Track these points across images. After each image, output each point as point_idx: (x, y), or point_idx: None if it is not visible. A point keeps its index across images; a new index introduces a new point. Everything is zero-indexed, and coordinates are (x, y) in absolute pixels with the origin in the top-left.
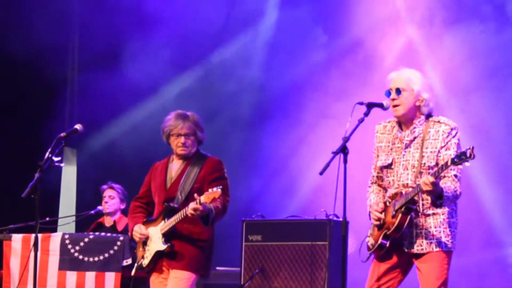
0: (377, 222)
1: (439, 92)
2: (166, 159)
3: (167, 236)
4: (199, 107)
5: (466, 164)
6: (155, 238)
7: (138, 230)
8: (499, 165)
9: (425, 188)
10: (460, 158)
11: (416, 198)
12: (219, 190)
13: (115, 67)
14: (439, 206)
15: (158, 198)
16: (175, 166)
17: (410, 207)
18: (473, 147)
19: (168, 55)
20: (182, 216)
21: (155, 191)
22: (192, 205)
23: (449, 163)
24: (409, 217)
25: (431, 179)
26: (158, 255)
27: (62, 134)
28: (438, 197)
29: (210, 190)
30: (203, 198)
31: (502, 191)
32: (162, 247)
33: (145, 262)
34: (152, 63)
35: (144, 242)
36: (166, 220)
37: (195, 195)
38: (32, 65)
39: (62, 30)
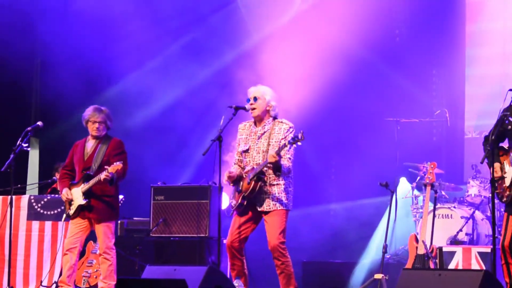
0: (225, 181)
1: None
2: (84, 139)
3: (86, 194)
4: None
5: (299, 143)
6: (77, 195)
7: (65, 194)
8: (323, 146)
9: (270, 160)
10: (294, 139)
11: (264, 170)
12: (120, 164)
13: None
14: (278, 176)
15: (78, 167)
16: (90, 144)
17: (259, 176)
18: (303, 132)
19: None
20: (97, 180)
21: (76, 162)
22: (104, 173)
23: (286, 143)
24: (259, 183)
25: (275, 154)
26: (80, 208)
27: (29, 128)
28: (277, 169)
29: (114, 163)
30: (110, 169)
31: (325, 165)
32: (82, 202)
33: (71, 212)
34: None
35: (70, 200)
36: (85, 183)
37: (106, 166)
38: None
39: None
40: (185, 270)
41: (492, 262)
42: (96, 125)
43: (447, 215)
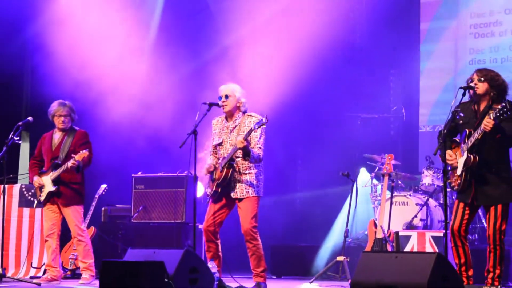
0: (207, 172)
1: None
2: (51, 131)
3: (55, 181)
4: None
5: (263, 126)
6: (47, 183)
7: (37, 181)
8: (290, 139)
9: (239, 145)
10: (259, 124)
11: (234, 158)
12: (86, 152)
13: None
14: (247, 160)
15: (46, 157)
16: (57, 136)
17: (230, 163)
18: (267, 116)
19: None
20: (65, 168)
21: (44, 152)
22: (71, 161)
23: (252, 128)
24: (231, 169)
25: (243, 140)
26: (50, 194)
27: (20, 123)
28: (247, 154)
29: (81, 152)
30: (77, 157)
31: (293, 156)
32: (52, 188)
33: (42, 198)
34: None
35: (41, 187)
36: (53, 171)
37: (72, 155)
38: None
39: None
40: (164, 253)
41: (444, 245)
42: (62, 118)
43: (403, 202)
